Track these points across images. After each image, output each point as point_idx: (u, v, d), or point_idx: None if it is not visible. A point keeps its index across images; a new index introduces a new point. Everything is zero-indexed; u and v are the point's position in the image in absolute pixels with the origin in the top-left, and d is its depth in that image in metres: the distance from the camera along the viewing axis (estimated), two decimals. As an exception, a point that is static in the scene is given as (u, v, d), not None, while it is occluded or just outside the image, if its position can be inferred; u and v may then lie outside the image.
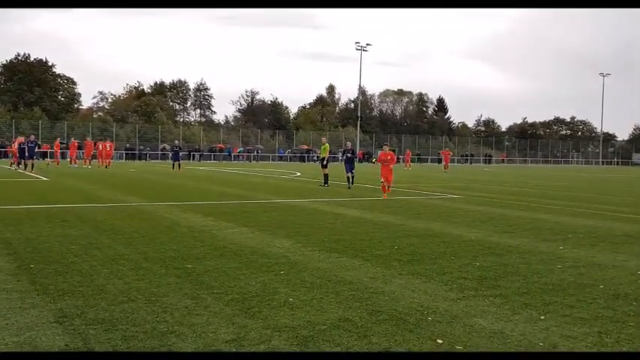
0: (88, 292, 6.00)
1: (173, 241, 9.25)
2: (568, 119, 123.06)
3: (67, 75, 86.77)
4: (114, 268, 7.12)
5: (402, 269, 7.48)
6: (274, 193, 19.93)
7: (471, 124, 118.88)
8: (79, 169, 35.23)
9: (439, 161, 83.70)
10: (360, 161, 73.89)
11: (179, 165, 35.64)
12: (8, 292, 5.91)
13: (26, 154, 32.60)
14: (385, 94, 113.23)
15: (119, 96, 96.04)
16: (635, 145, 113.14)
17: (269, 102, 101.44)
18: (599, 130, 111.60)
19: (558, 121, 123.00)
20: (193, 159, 65.71)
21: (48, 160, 39.65)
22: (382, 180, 18.87)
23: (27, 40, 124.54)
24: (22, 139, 35.41)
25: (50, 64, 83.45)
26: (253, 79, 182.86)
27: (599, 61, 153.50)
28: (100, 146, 41.28)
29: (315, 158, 59.73)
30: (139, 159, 65.73)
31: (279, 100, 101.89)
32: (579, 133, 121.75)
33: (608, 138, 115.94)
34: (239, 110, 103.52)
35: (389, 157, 19.22)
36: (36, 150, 34.07)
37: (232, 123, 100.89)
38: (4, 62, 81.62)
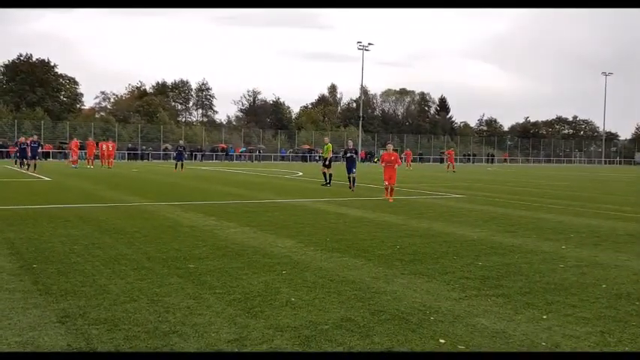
0: (90, 292, 6.01)
1: (175, 240, 9.25)
2: (570, 118, 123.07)
3: (69, 75, 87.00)
4: (116, 268, 7.13)
5: (405, 269, 7.47)
6: (276, 192, 19.93)
7: (473, 123, 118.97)
8: (82, 169, 35.26)
9: (441, 161, 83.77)
10: (362, 161, 73.94)
11: (182, 165, 35.69)
12: (11, 292, 5.92)
13: (29, 154, 32.68)
14: (387, 93, 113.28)
15: (121, 96, 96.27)
16: (637, 145, 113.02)
17: (271, 102, 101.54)
18: (601, 129, 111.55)
19: (561, 120, 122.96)
20: (195, 159, 65.76)
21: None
22: (385, 182, 17.64)
23: (29, 40, 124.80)
24: (23, 139, 35.51)
25: (52, 64, 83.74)
26: (255, 79, 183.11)
27: (601, 60, 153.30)
28: (103, 146, 41.31)
29: (318, 158, 59.77)
30: (141, 159, 65.81)
31: (281, 100, 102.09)
32: (582, 133, 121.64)
33: (611, 137, 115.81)
34: (241, 110, 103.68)
35: (392, 158, 17.99)
36: (39, 150, 34.11)
37: (234, 123, 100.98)
38: (7, 62, 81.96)
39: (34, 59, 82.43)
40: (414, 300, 5.97)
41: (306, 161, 71.94)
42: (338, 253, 8.43)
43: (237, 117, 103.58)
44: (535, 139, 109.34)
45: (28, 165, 32.55)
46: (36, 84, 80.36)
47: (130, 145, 69.88)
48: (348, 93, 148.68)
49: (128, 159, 64.83)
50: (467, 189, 23.83)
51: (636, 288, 6.76)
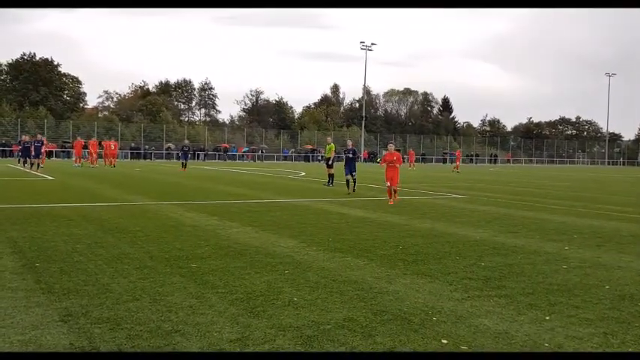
0: (93, 291, 6.01)
1: (178, 240, 9.26)
2: (573, 119, 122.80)
3: (72, 74, 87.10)
4: (119, 267, 7.14)
5: (407, 269, 7.47)
6: (279, 192, 19.93)
7: (476, 123, 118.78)
8: (85, 169, 35.31)
9: (444, 161, 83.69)
10: (365, 161, 73.90)
11: (185, 164, 35.83)
12: (13, 291, 5.93)
13: (32, 153, 32.76)
14: (390, 93, 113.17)
15: (124, 95, 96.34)
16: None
17: (273, 102, 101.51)
18: (604, 130, 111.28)
19: (564, 121, 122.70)
20: (198, 158, 65.79)
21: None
22: (387, 183, 16.72)
23: (33, 39, 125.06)
24: (27, 137, 35.59)
25: (56, 63, 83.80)
26: (258, 79, 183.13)
27: (602, 60, 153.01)
28: (112, 145, 41.52)
29: (320, 158, 59.77)
30: (144, 158, 65.89)
31: (284, 100, 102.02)
32: (585, 133, 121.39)
33: (614, 138, 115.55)
34: (244, 110, 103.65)
35: (395, 158, 16.97)
36: (42, 150, 34.22)
37: (237, 122, 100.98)
38: (10, 62, 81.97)
39: (37, 58, 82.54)
40: (417, 300, 5.97)
41: (309, 161, 71.92)
42: (340, 253, 8.43)
43: (239, 117, 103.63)
44: (538, 139, 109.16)
45: (32, 164, 32.62)
46: (39, 83, 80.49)
47: (132, 144, 69.96)
48: (351, 93, 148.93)
49: (131, 158, 64.91)
50: (469, 189, 23.80)
51: (639, 289, 6.74)
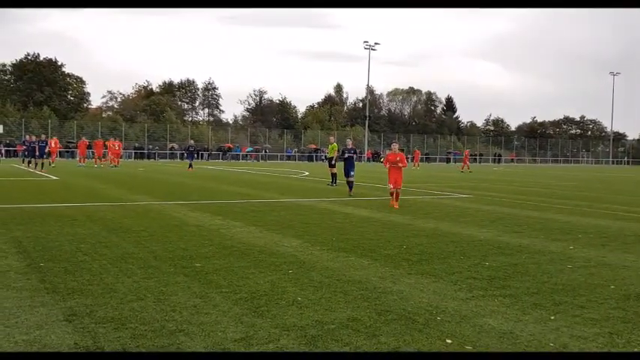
0: (97, 290, 6.02)
1: (182, 239, 9.26)
2: (578, 118, 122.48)
3: (76, 74, 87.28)
4: (123, 267, 7.14)
5: (411, 269, 7.45)
6: (282, 192, 19.93)
7: (479, 123, 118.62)
8: (89, 168, 35.38)
9: (448, 161, 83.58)
10: (369, 160, 73.87)
11: (191, 164, 36.06)
12: (18, 291, 5.94)
13: (36, 153, 32.87)
14: (394, 93, 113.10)
15: (128, 95, 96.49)
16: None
17: (277, 101, 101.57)
18: (609, 129, 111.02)
19: (568, 120, 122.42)
20: (202, 158, 65.85)
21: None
22: (390, 186, 15.60)
23: (36, 39, 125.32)
24: (32, 137, 35.70)
25: (59, 63, 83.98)
26: (261, 79, 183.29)
27: (607, 60, 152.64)
28: (111, 145, 41.55)
29: (324, 158, 59.74)
30: (148, 158, 65.99)
31: (287, 100, 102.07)
32: (589, 133, 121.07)
33: (619, 137, 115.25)
34: (247, 110, 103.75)
35: (398, 158, 15.83)
36: (46, 150, 34.38)
37: (241, 122, 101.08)
38: (14, 62, 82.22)
39: (41, 58, 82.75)
40: (421, 300, 5.95)
41: (312, 161, 71.94)
42: (344, 253, 8.42)
43: (243, 116, 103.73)
44: (542, 139, 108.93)
45: (36, 164, 32.72)
46: (43, 83, 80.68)
47: (136, 144, 70.07)
48: (355, 92, 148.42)
49: (135, 158, 65.02)
50: (473, 189, 23.75)
51: (645, 289, 6.72)
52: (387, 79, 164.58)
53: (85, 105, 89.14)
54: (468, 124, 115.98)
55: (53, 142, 39.80)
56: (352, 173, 19.19)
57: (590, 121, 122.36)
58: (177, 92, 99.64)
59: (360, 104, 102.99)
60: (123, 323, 4.94)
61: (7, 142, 61.88)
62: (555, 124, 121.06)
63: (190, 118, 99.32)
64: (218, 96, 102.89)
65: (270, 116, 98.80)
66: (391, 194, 15.74)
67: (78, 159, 42.76)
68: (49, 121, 69.16)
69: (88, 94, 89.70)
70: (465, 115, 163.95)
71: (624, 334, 5.05)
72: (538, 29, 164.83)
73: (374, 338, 4.74)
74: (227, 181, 26.44)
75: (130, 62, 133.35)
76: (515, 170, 55.09)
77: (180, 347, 4.44)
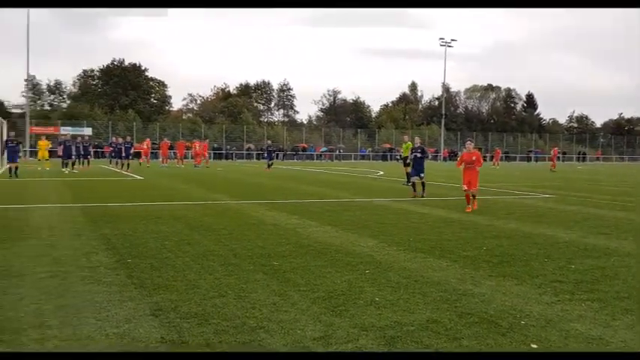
0: (181, 286, 6.22)
1: (259, 238, 9.44)
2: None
3: (158, 78, 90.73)
4: (205, 264, 7.36)
5: (492, 271, 7.25)
6: (357, 192, 19.92)
7: (562, 120, 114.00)
8: (171, 169, 36.70)
9: (528, 159, 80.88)
10: (445, 160, 72.63)
11: (270, 164, 36.96)
12: (108, 285, 6.23)
13: (122, 154, 34.48)
14: (471, 90, 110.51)
15: (207, 98, 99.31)
16: None
17: (351, 101, 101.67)
18: None
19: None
20: (277, 158, 66.84)
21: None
22: (465, 187, 14.39)
23: (121, 46, 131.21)
24: (118, 139, 37.48)
25: (143, 68, 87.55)
26: (335, 79, 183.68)
27: None
28: (196, 146, 43.35)
29: (398, 157, 59.26)
30: (226, 158, 67.69)
31: (361, 99, 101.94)
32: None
33: None
34: (321, 110, 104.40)
35: (474, 158, 14.57)
36: (131, 151, 36.02)
37: (315, 122, 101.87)
38: (102, 67, 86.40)
39: (126, 64, 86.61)
40: (504, 303, 5.78)
41: (387, 160, 71.50)
42: (422, 254, 8.31)
43: (317, 116, 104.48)
44: (630, 136, 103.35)
45: (122, 164, 34.28)
46: (128, 87, 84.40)
47: (215, 145, 72.04)
48: (430, 90, 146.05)
49: (213, 158, 66.86)
50: (556, 188, 22.84)
51: None
52: (464, 76, 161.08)
53: (167, 108, 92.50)
54: (550, 121, 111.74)
55: (145, 144, 43.10)
56: (422, 175, 17.77)
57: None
58: (254, 94, 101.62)
59: (436, 102, 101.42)
60: (206, 319, 5.09)
61: (96, 143, 65.19)
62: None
63: (266, 119, 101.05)
64: (292, 97, 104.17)
65: (343, 116, 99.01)
66: (466, 197, 14.44)
67: (160, 160, 44.46)
68: (134, 123, 72.28)
69: (170, 97, 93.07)
70: (547, 112, 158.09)
71: None
72: (624, 23, 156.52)
73: (455, 341, 4.64)
74: (302, 180, 26.71)
75: (208, 66, 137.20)
76: (601, 169, 52.58)
77: (261, 344, 4.52)
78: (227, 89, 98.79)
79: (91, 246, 8.54)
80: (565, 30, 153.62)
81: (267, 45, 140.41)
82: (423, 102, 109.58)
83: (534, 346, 4.56)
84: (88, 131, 64.47)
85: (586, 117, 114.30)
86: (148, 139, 47.32)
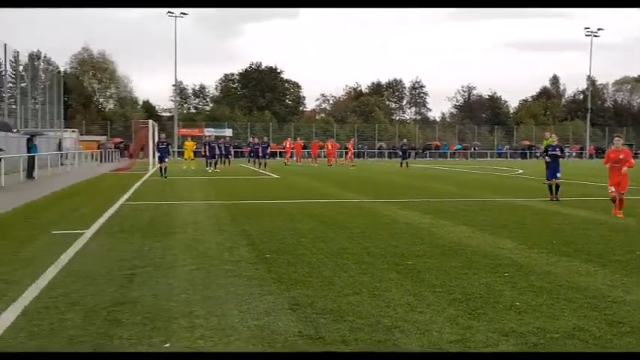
0: (316, 282, 6.37)
1: (392, 237, 9.40)
2: None
3: (293, 80, 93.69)
4: (339, 262, 7.47)
5: (647, 278, 6.65)
6: (494, 191, 19.21)
7: None
8: (305, 167, 37.75)
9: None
10: (591, 157, 67.92)
11: (407, 163, 37.13)
12: (248, 279, 6.53)
13: (259, 153, 36.09)
14: (621, 81, 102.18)
15: (339, 97, 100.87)
16: None
17: (487, 97, 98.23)
18: None
19: None
20: (409, 157, 66.31)
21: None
22: (611, 189, 12.69)
23: (259, 49, 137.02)
24: (255, 139, 39.30)
25: (279, 70, 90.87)
26: (469, 74, 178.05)
27: None
28: (329, 145, 44.49)
29: (539, 154, 56.29)
30: (358, 157, 68.29)
31: (498, 95, 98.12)
32: None
33: None
34: (455, 106, 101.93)
35: (622, 157, 12.83)
36: (268, 150, 37.63)
37: (448, 120, 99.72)
38: (241, 71, 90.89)
39: (263, 67, 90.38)
40: (662, 314, 5.28)
41: (526, 158, 68.22)
42: (566, 257, 7.81)
43: (451, 113, 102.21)
44: None
45: (260, 164, 35.83)
46: (265, 89, 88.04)
47: (346, 144, 72.96)
48: (574, 84, 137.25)
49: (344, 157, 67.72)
50: None
51: None
52: (612, 67, 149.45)
53: (301, 108, 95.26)
54: None
55: (288, 143, 46.54)
56: (558, 175, 16.14)
57: None
58: (385, 92, 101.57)
59: (581, 96, 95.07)
60: (341, 315, 5.16)
61: (235, 144, 68.72)
62: None
63: (397, 117, 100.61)
64: (425, 94, 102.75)
65: (479, 112, 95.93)
66: (612, 200, 12.73)
67: (295, 159, 45.94)
68: (270, 124, 75.30)
69: (304, 97, 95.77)
70: None
71: None
72: None
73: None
74: (435, 179, 26.26)
75: (340, 65, 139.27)
76: None
77: (395, 343, 4.49)
78: (359, 88, 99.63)
79: (233, 241, 9.00)
80: None
81: (399, 43, 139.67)
82: (565, 96, 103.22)
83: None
84: (228, 132, 68.17)
85: None
86: (290, 139, 49.14)
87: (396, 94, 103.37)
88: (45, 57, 66.03)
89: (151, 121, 34.78)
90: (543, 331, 4.78)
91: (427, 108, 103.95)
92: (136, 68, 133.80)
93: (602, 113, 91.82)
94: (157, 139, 31.40)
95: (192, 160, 36.55)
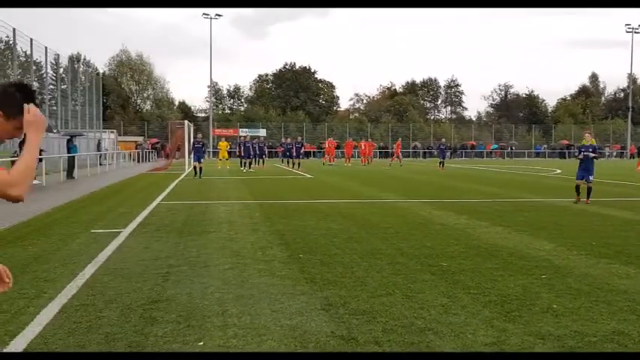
0: (349, 283, 6.35)
1: (427, 238, 9.32)
2: None
3: (327, 80, 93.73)
4: (372, 262, 7.43)
5: (691, 281, 6.44)
6: (531, 191, 18.88)
7: None
8: (339, 167, 37.72)
9: None
10: (632, 157, 66.17)
11: (442, 163, 36.84)
12: (281, 279, 6.55)
13: (293, 153, 36.21)
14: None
15: (373, 97, 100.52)
16: None
17: (524, 95, 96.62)
18: None
19: None
20: (446, 157, 65.75)
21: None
22: None
23: (293, 49, 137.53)
24: (288, 139, 39.48)
25: (312, 70, 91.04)
26: (506, 73, 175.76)
27: None
28: (363, 145, 44.42)
29: (576, 154, 55.17)
30: (391, 157, 67.97)
31: (535, 93, 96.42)
32: None
33: None
34: (491, 105, 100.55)
35: None
36: (302, 150, 37.72)
37: (484, 119, 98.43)
38: (275, 72, 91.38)
39: (297, 67, 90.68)
40: None
41: (565, 158, 66.85)
42: (606, 259, 7.63)
43: (487, 113, 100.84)
44: None
45: (293, 163, 35.96)
46: (299, 89, 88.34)
47: (381, 143, 72.68)
48: (614, 82, 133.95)
49: (379, 157, 67.50)
50: None
51: None
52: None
53: (335, 108, 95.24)
54: None
55: (327, 143, 46.21)
56: (591, 178, 15.03)
57: None
58: (420, 91, 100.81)
59: (622, 94, 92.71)
60: (374, 316, 5.13)
61: (269, 144, 69.14)
62: None
63: (432, 117, 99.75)
64: (460, 93, 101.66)
65: (516, 111, 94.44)
66: None
67: (328, 158, 45.95)
68: (304, 124, 75.50)
69: (337, 97, 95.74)
70: None
71: None
72: None
73: (646, 358, 4.19)
74: (470, 179, 25.94)
75: (374, 65, 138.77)
76: None
77: (429, 345, 4.44)
78: (393, 88, 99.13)
79: (267, 241, 9.05)
80: None
81: (433, 41, 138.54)
82: (605, 94, 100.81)
83: None
84: (262, 132, 68.57)
85: None
86: (330, 139, 49.15)
87: (431, 93, 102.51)
88: (84, 59, 67.64)
89: (186, 122, 35.23)
90: (581, 334, 4.67)
91: (463, 107, 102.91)
92: (172, 69, 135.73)
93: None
94: (192, 140, 31.80)
95: (227, 159, 36.94)
